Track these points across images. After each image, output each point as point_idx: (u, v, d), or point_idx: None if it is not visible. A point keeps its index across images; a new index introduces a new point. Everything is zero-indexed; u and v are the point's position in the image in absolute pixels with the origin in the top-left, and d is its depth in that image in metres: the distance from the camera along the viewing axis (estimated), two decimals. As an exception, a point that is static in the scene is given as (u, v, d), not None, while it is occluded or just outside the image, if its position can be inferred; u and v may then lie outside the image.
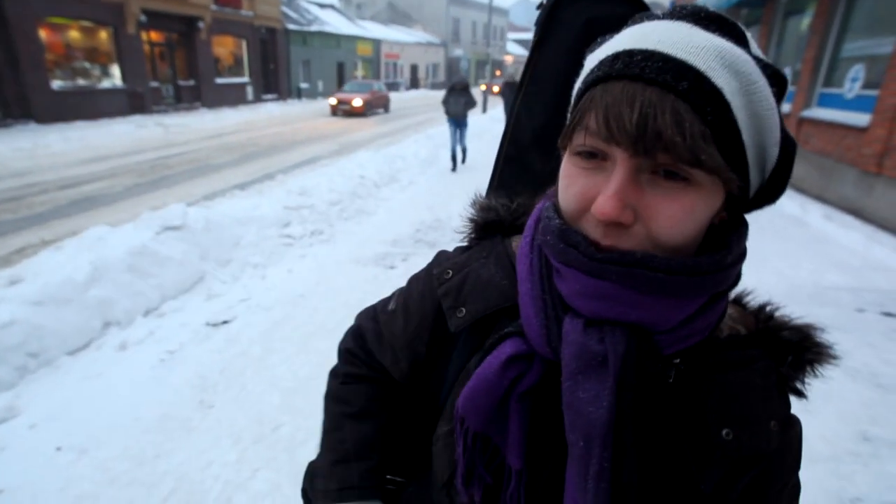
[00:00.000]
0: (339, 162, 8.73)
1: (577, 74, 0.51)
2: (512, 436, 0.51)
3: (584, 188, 0.45)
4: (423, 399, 0.65)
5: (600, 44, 0.49)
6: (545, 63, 0.86)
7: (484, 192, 0.84)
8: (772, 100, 0.44)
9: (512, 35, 59.42)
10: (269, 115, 18.40)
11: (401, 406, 0.72)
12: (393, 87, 36.40)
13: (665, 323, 0.46)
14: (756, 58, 0.44)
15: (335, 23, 30.24)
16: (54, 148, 10.24)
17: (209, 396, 2.66)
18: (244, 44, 21.87)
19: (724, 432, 0.47)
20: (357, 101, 18.72)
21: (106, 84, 15.59)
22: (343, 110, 18.74)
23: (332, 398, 0.75)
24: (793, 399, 0.54)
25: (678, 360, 0.49)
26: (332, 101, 19.12)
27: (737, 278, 0.51)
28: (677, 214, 0.42)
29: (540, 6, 0.86)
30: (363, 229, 5.59)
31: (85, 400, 2.62)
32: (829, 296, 4.03)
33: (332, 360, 0.80)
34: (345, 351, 0.76)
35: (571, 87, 0.52)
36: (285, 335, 3.27)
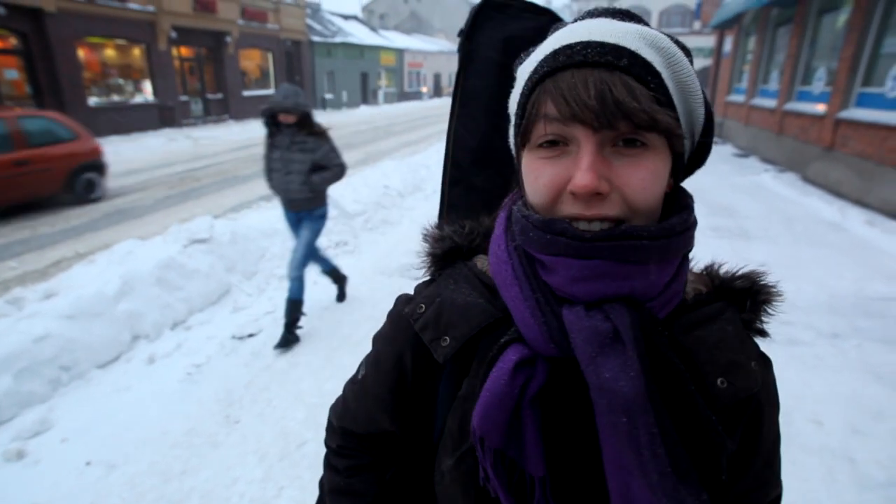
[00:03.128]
0: (364, 171, 8.78)
1: (505, 90, 0.57)
2: (529, 444, 0.51)
3: (553, 176, 0.48)
4: (419, 445, 0.65)
5: (527, 56, 0.54)
6: (472, 84, 0.88)
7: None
8: (690, 67, 0.50)
9: (534, 41, 59.15)
10: (295, 125, 18.67)
11: (412, 461, 0.69)
12: (416, 95, 36.69)
13: (654, 289, 0.50)
14: (669, 36, 0.50)
15: (359, 34, 30.67)
16: (90, 162, 10.57)
17: (235, 411, 2.66)
18: (270, 57, 22.33)
19: (719, 381, 0.51)
20: None
21: (138, 99, 16.11)
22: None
23: (340, 493, 0.71)
24: (788, 375, 0.56)
25: (660, 328, 0.52)
26: None
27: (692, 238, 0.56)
28: (647, 177, 0.47)
29: (460, 33, 0.89)
30: (387, 240, 5.58)
31: (114, 414, 2.65)
32: (875, 307, 3.82)
33: None
34: (336, 448, 0.74)
35: (502, 103, 0.59)
36: (310, 349, 3.26)
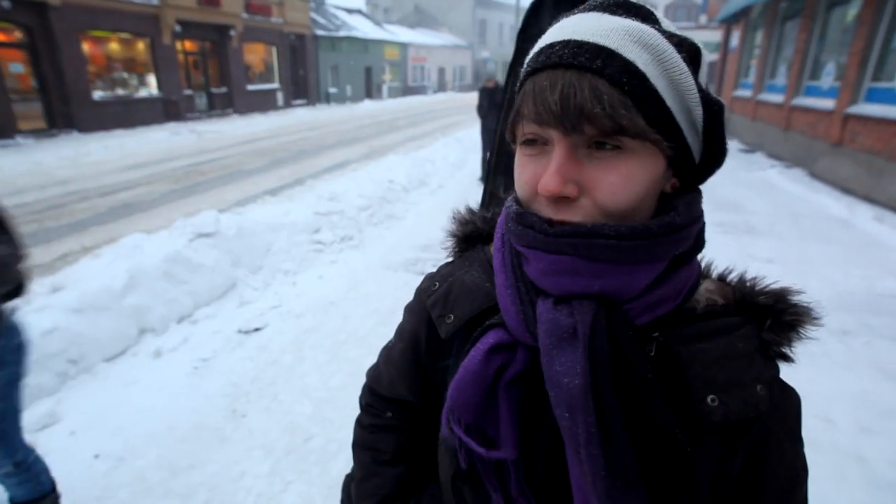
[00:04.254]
0: (369, 166, 8.76)
1: None
2: (504, 425, 0.52)
3: (532, 173, 0.49)
4: (433, 416, 0.67)
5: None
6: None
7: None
8: (683, 65, 0.48)
9: (539, 35, 58.78)
10: (299, 120, 18.68)
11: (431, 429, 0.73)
12: (420, 90, 36.56)
13: (629, 290, 0.49)
14: (664, 31, 0.48)
15: (363, 28, 30.54)
16: (95, 156, 10.60)
17: (241, 405, 2.66)
18: (274, 50, 22.28)
19: (709, 398, 0.48)
20: None
21: (143, 93, 16.10)
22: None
23: (361, 447, 0.78)
24: None
25: (657, 334, 0.51)
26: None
27: (698, 243, 0.54)
28: (616, 181, 0.46)
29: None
30: (393, 234, 5.57)
31: (122, 407, 2.66)
32: (884, 304, 3.79)
33: (363, 368, 0.83)
34: (365, 405, 0.80)
35: None
36: (316, 343, 3.26)
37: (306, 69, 24.47)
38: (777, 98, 10.67)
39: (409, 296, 0.72)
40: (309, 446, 2.39)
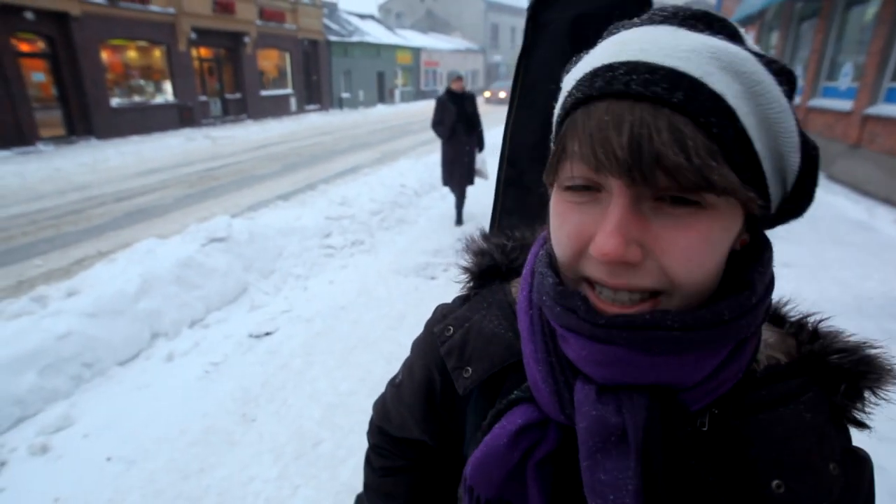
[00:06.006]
0: (381, 171, 8.80)
1: None
2: (533, 501, 0.47)
3: (578, 226, 0.40)
4: (451, 458, 0.62)
5: (576, 62, 0.43)
6: (534, 73, 0.78)
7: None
8: (783, 100, 0.38)
9: (551, 38, 58.68)
10: (312, 125, 18.85)
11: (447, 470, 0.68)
12: (432, 94, 36.69)
13: (689, 380, 0.41)
14: (756, 54, 0.38)
15: (375, 33, 30.75)
16: (112, 162, 10.80)
17: (251, 410, 2.68)
18: (288, 56, 22.52)
19: (774, 484, 0.41)
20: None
21: (159, 100, 16.37)
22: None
23: (374, 491, 0.73)
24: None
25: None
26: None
27: (768, 308, 0.44)
28: (693, 245, 0.37)
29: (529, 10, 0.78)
30: (404, 239, 5.58)
31: (134, 410, 2.69)
32: (904, 309, 3.70)
33: (373, 374, 0.83)
34: (373, 445, 0.74)
35: None
36: (326, 348, 3.27)
37: (319, 74, 24.70)
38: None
39: (419, 301, 0.69)
40: (318, 451, 2.39)
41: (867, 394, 0.44)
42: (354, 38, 27.38)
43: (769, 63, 0.38)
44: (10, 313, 3.26)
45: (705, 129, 0.35)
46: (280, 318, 3.68)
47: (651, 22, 0.40)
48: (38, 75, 12.71)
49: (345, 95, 27.03)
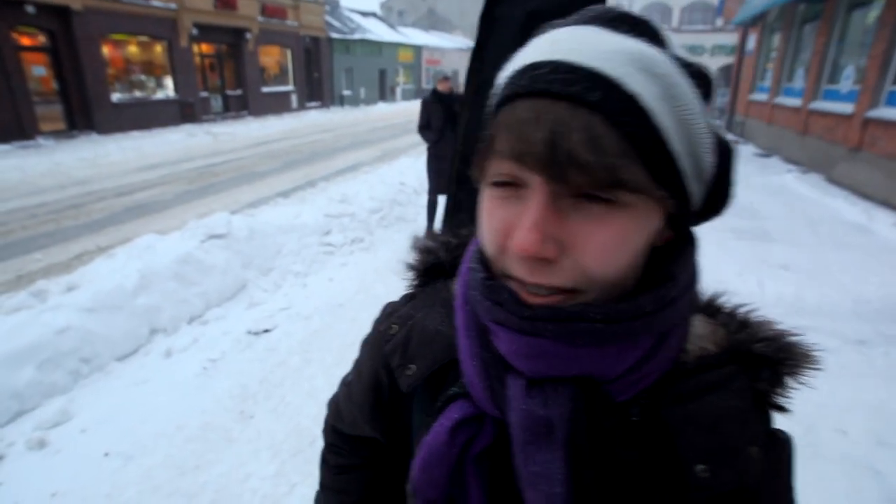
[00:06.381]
0: (381, 169, 8.81)
1: None
2: (474, 500, 0.48)
3: (503, 221, 0.41)
4: (404, 455, 0.63)
5: (511, 62, 0.44)
6: (488, 69, 0.78)
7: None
8: (697, 102, 0.40)
9: (553, 38, 58.59)
10: (313, 122, 18.83)
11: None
12: (433, 92, 36.66)
13: (612, 371, 0.43)
14: (676, 57, 0.40)
15: (377, 30, 30.72)
16: (112, 157, 10.79)
17: (249, 407, 2.68)
18: (289, 53, 22.50)
19: (698, 469, 0.43)
20: None
21: (160, 95, 16.36)
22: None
23: (329, 489, 0.74)
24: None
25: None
26: None
27: (692, 303, 0.47)
28: (608, 242, 0.38)
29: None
30: (403, 237, 5.58)
31: (132, 406, 2.69)
32: (902, 313, 3.70)
33: None
34: (328, 444, 0.75)
35: None
36: (324, 345, 3.27)
37: (321, 72, 24.68)
38: (794, 102, 10.51)
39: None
40: (315, 448, 2.39)
41: (788, 380, 0.47)
42: (356, 36, 27.35)
43: (686, 66, 0.40)
44: (10, 307, 3.26)
45: (619, 129, 0.36)
46: (279, 316, 3.68)
47: (577, 22, 0.41)
48: (38, 69, 12.69)
49: (346, 93, 27.01)
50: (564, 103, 0.36)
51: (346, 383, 0.70)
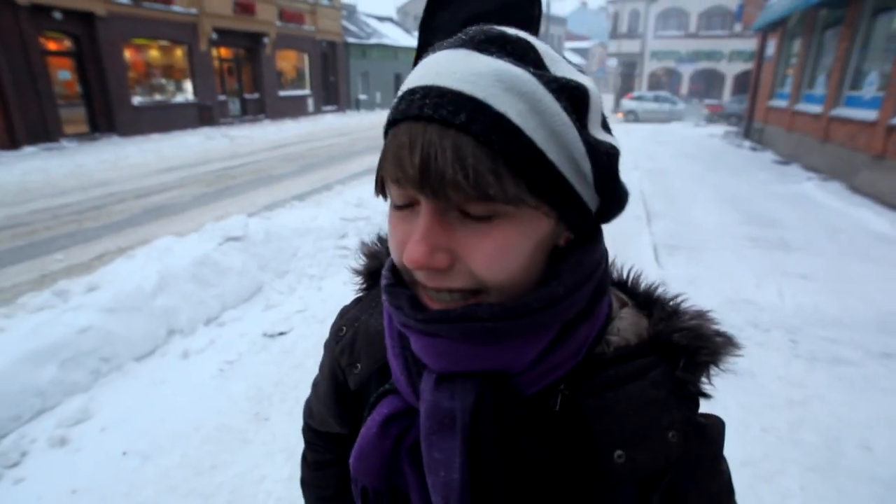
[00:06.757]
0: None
1: None
2: (412, 489, 0.51)
3: (402, 235, 0.44)
4: None
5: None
6: None
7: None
8: (563, 114, 0.41)
9: (569, 44, 58.54)
10: (329, 126, 19.00)
11: None
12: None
13: (516, 365, 0.45)
14: (540, 74, 0.41)
15: (393, 35, 30.93)
16: (132, 159, 10.98)
17: (264, 409, 2.70)
18: (306, 57, 22.75)
19: (615, 454, 0.46)
20: None
21: (179, 98, 16.65)
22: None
23: (306, 485, 0.79)
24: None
25: (562, 386, 0.48)
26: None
27: (598, 294, 0.49)
28: (492, 251, 0.41)
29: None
30: (417, 241, 5.59)
31: (150, 406, 2.73)
32: (928, 325, 3.61)
33: None
34: (306, 442, 0.79)
35: None
36: (339, 349, 3.28)
37: (337, 76, 24.90)
38: (815, 108, 10.35)
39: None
40: (329, 452, 2.40)
41: (710, 367, 0.49)
42: (372, 40, 27.56)
43: (549, 82, 0.41)
44: (34, 306, 3.34)
45: (488, 147, 0.38)
46: (294, 318, 3.71)
47: (452, 45, 0.43)
48: (63, 73, 13.00)
49: (362, 97, 27.21)
50: (435, 126, 0.38)
51: (315, 384, 0.74)
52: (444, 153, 0.38)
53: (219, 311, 3.74)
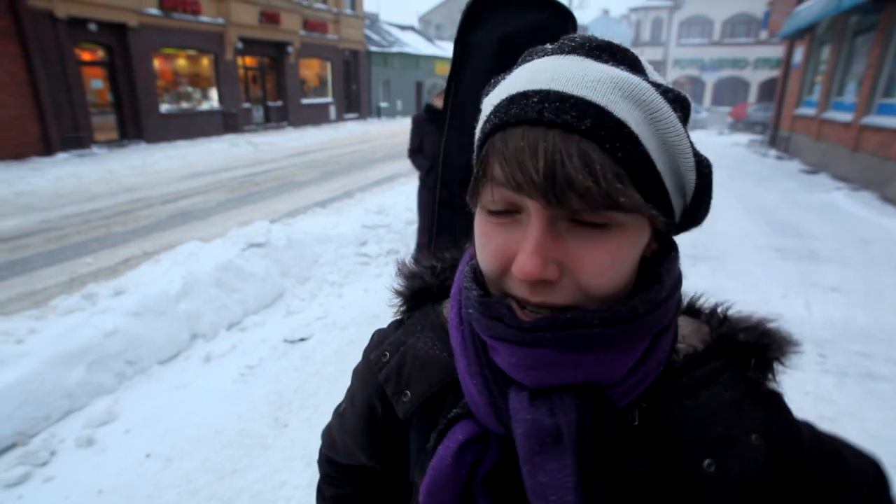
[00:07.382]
0: (417, 180, 8.87)
1: None
2: None
3: (501, 245, 0.42)
4: (399, 482, 0.63)
5: (494, 85, 0.46)
6: (464, 93, 0.78)
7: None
8: (679, 125, 0.42)
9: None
10: (351, 133, 19.21)
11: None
12: (468, 104, 36.90)
13: (613, 376, 0.44)
14: (654, 83, 0.42)
15: (415, 44, 31.21)
16: (159, 166, 11.26)
17: (284, 415, 2.73)
18: (329, 66, 23.09)
19: (705, 464, 0.44)
20: None
21: (205, 106, 17.03)
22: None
23: None
24: None
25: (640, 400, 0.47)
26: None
27: (678, 304, 0.49)
28: (604, 261, 0.40)
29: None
30: (436, 249, 5.60)
31: (173, 409, 2.78)
32: (966, 342, 3.47)
33: None
34: (323, 475, 0.75)
35: None
36: (359, 356, 3.29)
37: (359, 84, 25.20)
38: (845, 117, 10.09)
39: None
40: (347, 460, 2.41)
41: (776, 364, 0.48)
42: (394, 49, 27.84)
43: (665, 92, 0.42)
44: (64, 309, 3.43)
45: (612, 154, 0.38)
46: (315, 325, 3.74)
47: (560, 51, 0.43)
48: (96, 82, 13.42)
49: (383, 105, 27.47)
50: (557, 131, 0.38)
51: (339, 413, 0.70)
52: (571, 159, 0.37)
53: (241, 317, 3.80)
